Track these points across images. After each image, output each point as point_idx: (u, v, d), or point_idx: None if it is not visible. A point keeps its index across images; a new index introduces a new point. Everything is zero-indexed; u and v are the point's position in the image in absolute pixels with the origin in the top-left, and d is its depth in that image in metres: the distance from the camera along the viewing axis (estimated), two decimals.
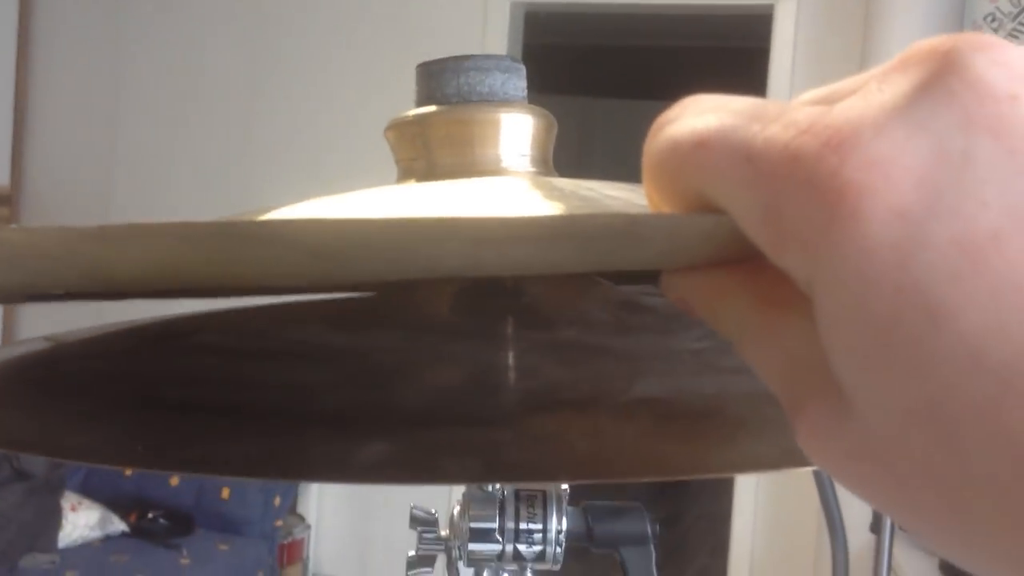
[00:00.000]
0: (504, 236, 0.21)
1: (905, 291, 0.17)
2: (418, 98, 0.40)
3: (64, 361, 0.39)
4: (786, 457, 0.38)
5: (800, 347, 0.20)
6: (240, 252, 0.21)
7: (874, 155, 0.17)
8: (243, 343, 0.41)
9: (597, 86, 6.24)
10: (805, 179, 0.18)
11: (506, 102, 0.40)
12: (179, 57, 3.91)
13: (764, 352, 0.21)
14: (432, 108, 0.40)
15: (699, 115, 0.21)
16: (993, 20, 2.89)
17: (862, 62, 2.98)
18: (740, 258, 0.21)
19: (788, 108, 0.19)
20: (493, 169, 0.40)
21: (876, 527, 2.05)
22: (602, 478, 0.41)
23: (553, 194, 0.36)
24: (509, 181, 0.39)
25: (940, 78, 0.18)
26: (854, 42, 3.09)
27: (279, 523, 3.32)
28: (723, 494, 3.68)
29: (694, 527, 5.09)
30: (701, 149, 0.20)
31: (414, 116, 0.41)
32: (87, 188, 4.06)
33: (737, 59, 4.92)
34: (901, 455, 0.17)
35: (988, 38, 0.18)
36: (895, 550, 2.15)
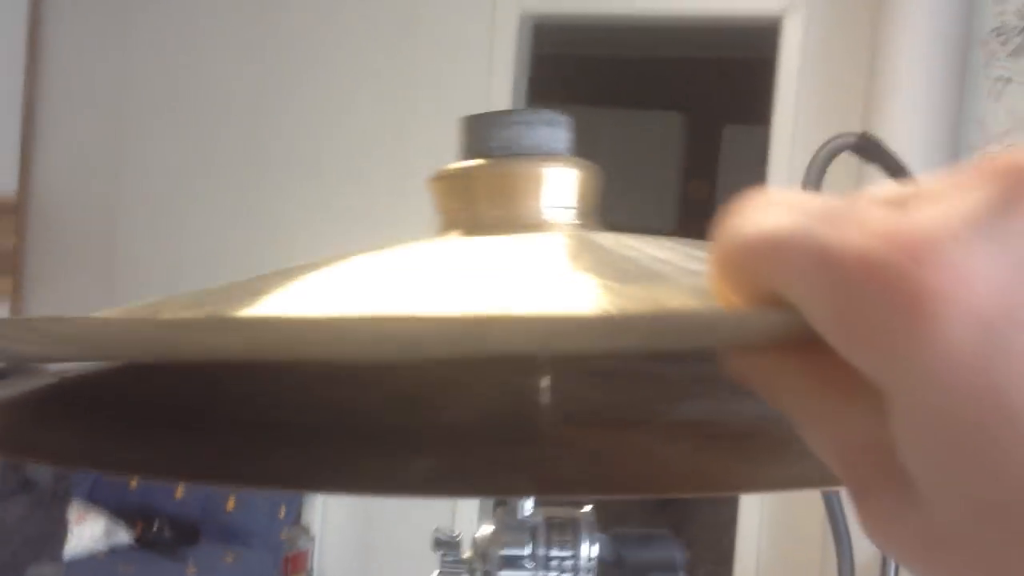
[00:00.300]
0: (560, 334, 0.21)
1: (986, 396, 0.17)
2: (462, 150, 0.40)
3: (110, 378, 0.39)
4: (831, 475, 0.38)
5: (863, 433, 0.20)
6: (297, 350, 0.22)
7: (954, 264, 0.18)
8: (290, 364, 0.42)
9: (604, 96, 6.24)
10: (883, 285, 0.18)
11: (550, 155, 0.40)
12: (187, 65, 3.92)
13: (826, 436, 0.22)
14: (477, 161, 0.40)
15: (770, 213, 0.21)
16: (1000, 34, 2.89)
17: (870, 74, 2.98)
18: (803, 341, 0.21)
19: (859, 210, 0.20)
20: (536, 223, 0.40)
21: None
22: (648, 493, 0.41)
23: (598, 259, 0.35)
24: (551, 239, 0.39)
25: (1020, 195, 0.18)
26: (861, 53, 3.08)
27: (284, 534, 3.32)
28: (726, 504, 3.67)
29: (698, 538, 5.09)
30: (776, 250, 0.21)
31: (459, 169, 0.41)
32: (95, 197, 4.07)
33: (744, 69, 4.93)
34: (971, 547, 0.18)
35: None
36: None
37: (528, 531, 0.63)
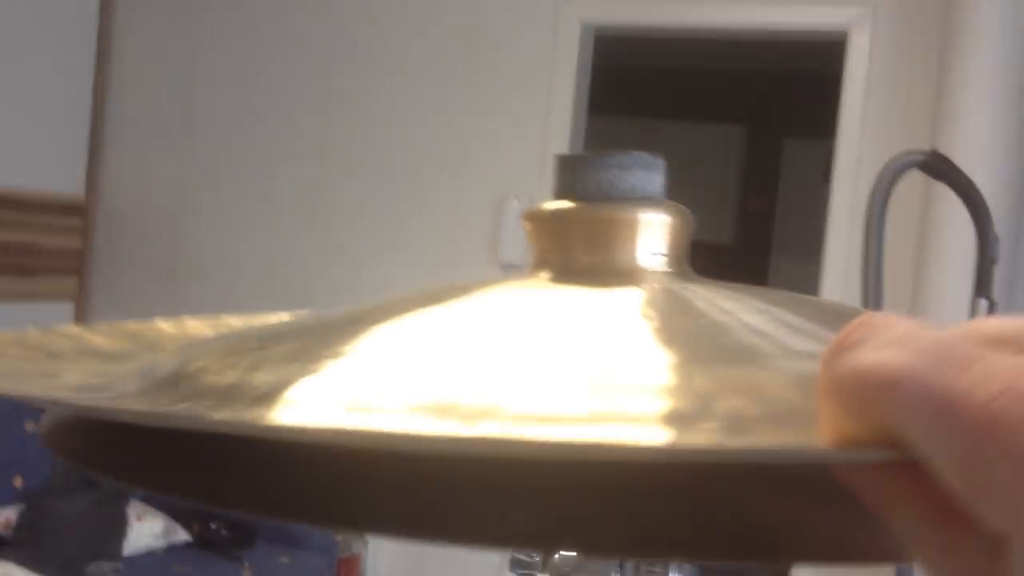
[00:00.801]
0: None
1: None
2: (556, 189, 0.41)
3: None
4: None
5: (976, 563, 0.21)
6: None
7: None
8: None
9: (665, 107, 6.22)
10: (1011, 443, 0.19)
11: (645, 200, 0.40)
12: (253, 72, 3.98)
13: (939, 561, 0.22)
14: (571, 204, 0.40)
15: (886, 348, 0.22)
16: None
17: (938, 88, 2.94)
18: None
19: (976, 353, 0.20)
20: (629, 269, 0.40)
21: None
22: (784, 559, 0.41)
23: (690, 327, 0.35)
24: (642, 298, 0.39)
25: None
26: (930, 69, 3.05)
27: (339, 537, 3.35)
28: None
29: None
30: (893, 389, 0.21)
31: (553, 211, 0.41)
32: (160, 201, 4.13)
33: (806, 82, 4.89)
34: None
35: None
36: None
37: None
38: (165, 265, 4.09)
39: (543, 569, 0.69)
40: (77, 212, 4.07)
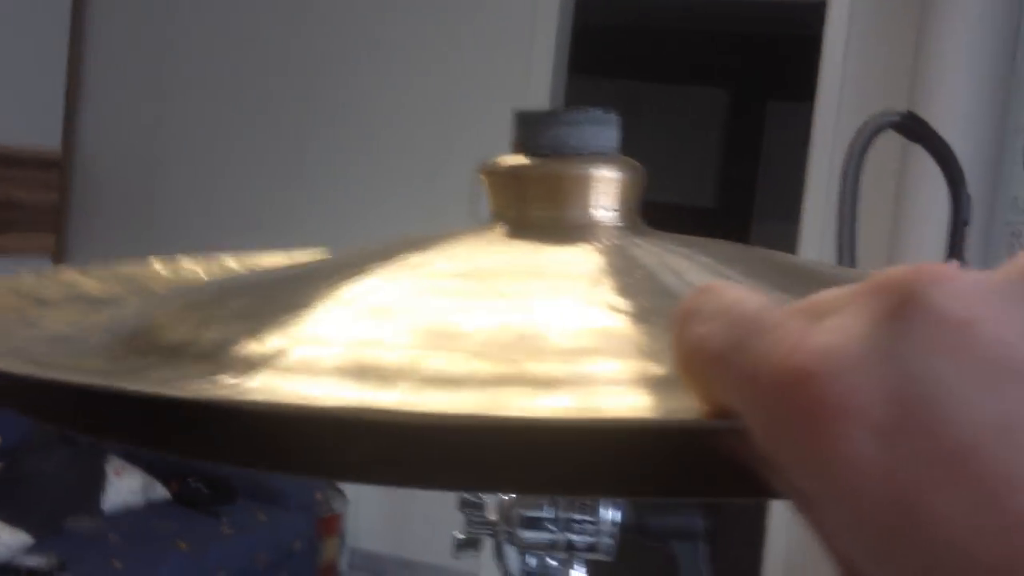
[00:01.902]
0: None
1: (894, 502, 0.19)
2: (513, 144, 0.42)
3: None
4: None
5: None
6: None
7: (848, 380, 0.19)
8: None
9: (646, 69, 6.20)
10: (792, 402, 0.20)
11: (597, 155, 0.42)
12: (231, 24, 3.95)
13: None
14: (525, 161, 0.42)
15: (709, 321, 0.23)
16: None
17: (916, 51, 2.95)
18: None
19: (779, 322, 0.22)
20: (582, 224, 0.42)
21: None
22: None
23: (633, 284, 0.37)
24: (592, 256, 0.40)
25: (903, 309, 0.20)
26: (908, 32, 3.05)
27: (319, 496, 3.37)
28: None
29: (728, 516, 5.09)
30: (715, 364, 0.23)
31: (508, 168, 0.42)
32: (136, 153, 4.11)
33: (788, 46, 4.88)
34: None
35: (944, 270, 0.20)
36: None
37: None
38: (142, 218, 4.08)
39: (490, 510, 0.71)
40: (54, 166, 4.04)
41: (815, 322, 0.21)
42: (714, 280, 0.32)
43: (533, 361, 0.31)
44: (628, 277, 0.38)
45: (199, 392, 0.32)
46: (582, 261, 0.39)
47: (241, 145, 3.95)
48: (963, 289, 0.20)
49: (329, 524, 3.47)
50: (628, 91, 6.20)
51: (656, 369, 0.30)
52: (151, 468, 3.17)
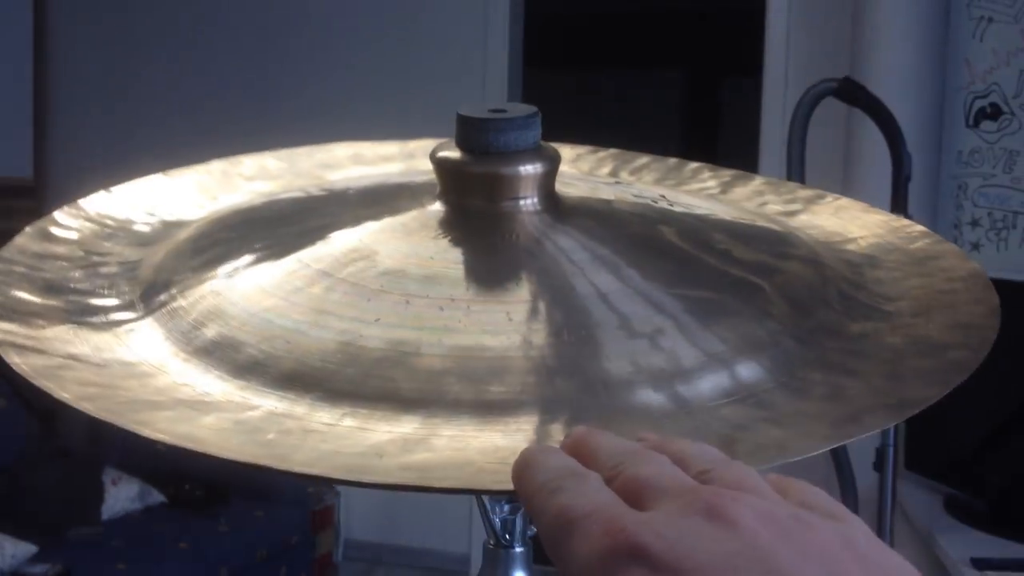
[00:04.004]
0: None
1: None
2: (456, 140, 0.53)
3: None
4: None
5: None
6: None
7: None
8: None
9: (602, 55, 6.30)
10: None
11: (521, 152, 0.52)
12: (196, 46, 4.01)
13: None
14: (464, 156, 0.53)
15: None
16: None
17: (854, 17, 3.05)
18: None
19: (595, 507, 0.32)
20: (508, 212, 0.52)
21: (879, 465, 2.13)
22: None
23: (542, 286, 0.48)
24: (510, 253, 0.52)
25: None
26: (845, 3, 3.15)
27: (311, 490, 3.45)
28: None
29: None
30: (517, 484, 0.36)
31: (449, 160, 0.53)
32: (109, 175, 4.16)
33: (733, 21, 4.98)
34: None
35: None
36: (899, 488, 2.24)
37: None
38: None
39: None
40: (28, 194, 4.10)
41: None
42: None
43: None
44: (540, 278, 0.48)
45: None
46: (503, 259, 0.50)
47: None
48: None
49: (323, 517, 3.54)
50: (583, 77, 6.30)
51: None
52: (147, 475, 3.25)
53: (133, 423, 0.39)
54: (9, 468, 3.06)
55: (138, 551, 2.92)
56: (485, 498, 0.49)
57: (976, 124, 3.01)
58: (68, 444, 3.20)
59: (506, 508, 0.50)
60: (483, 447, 0.39)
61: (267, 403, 0.41)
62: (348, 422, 0.40)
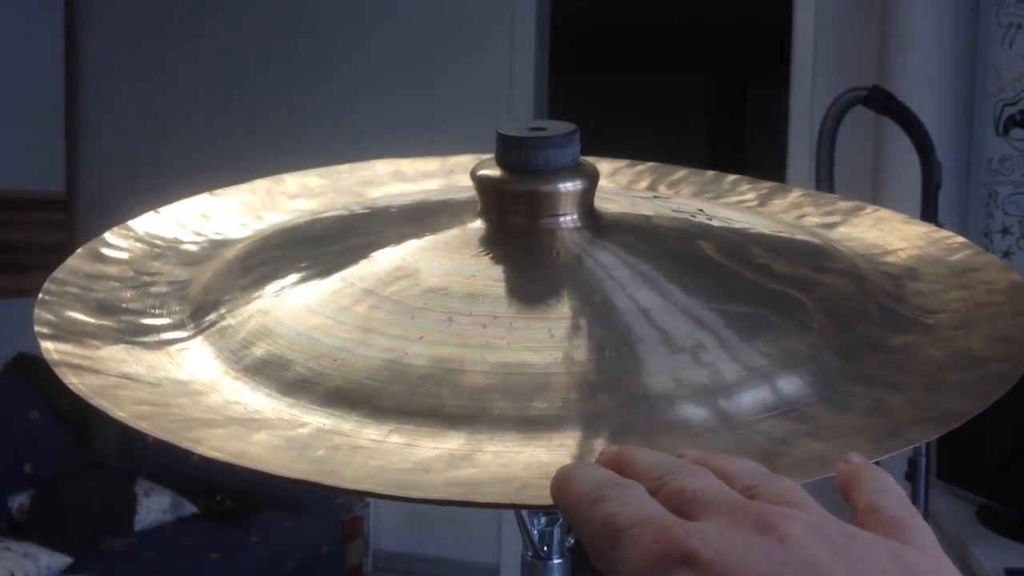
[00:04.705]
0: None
1: None
2: (496, 157, 0.53)
3: None
4: None
5: None
6: None
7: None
8: None
9: (630, 63, 6.30)
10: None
11: (558, 171, 0.52)
12: (226, 56, 4.04)
13: None
14: (504, 174, 0.52)
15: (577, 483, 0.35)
16: None
17: (882, 26, 3.04)
18: None
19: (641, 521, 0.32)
20: (546, 228, 0.52)
21: (911, 475, 2.12)
22: None
23: (579, 302, 0.49)
24: (550, 274, 0.51)
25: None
26: (874, 7, 3.14)
27: (340, 500, 3.46)
28: None
29: None
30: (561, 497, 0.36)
31: (490, 178, 0.53)
32: (140, 188, 4.20)
33: (761, 34, 4.98)
34: None
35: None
36: (931, 498, 2.23)
37: None
38: None
39: None
40: (59, 207, 4.14)
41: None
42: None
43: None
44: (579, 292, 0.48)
45: None
46: (545, 279, 0.50)
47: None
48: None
49: (352, 527, 3.56)
50: (613, 85, 6.31)
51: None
52: (179, 487, 3.27)
53: (188, 441, 0.39)
54: (44, 480, 3.09)
55: (170, 562, 2.94)
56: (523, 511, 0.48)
57: (1006, 132, 2.99)
58: (101, 456, 3.23)
59: (543, 520, 0.50)
60: (527, 463, 0.39)
61: (315, 420, 0.42)
62: (395, 438, 0.40)
